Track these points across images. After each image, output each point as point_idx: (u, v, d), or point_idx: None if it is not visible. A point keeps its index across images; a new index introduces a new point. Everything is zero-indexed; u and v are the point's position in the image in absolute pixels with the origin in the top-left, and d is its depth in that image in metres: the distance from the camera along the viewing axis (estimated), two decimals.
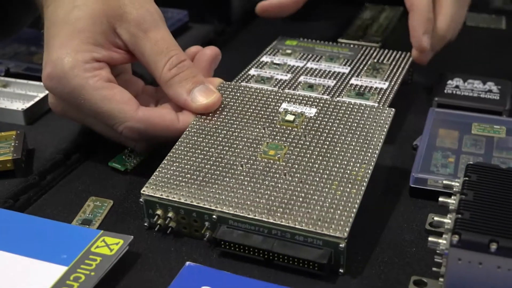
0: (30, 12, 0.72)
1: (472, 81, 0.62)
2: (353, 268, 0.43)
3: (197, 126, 0.50)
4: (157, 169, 0.46)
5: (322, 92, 0.57)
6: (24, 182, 0.50)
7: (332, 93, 0.57)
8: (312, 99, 0.52)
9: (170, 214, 0.44)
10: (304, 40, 0.68)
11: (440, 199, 0.43)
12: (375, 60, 0.64)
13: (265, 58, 0.64)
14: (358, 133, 0.48)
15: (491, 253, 0.37)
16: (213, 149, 0.48)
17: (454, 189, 0.43)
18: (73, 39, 0.50)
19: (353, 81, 0.60)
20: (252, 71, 0.61)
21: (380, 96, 0.57)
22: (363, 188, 0.44)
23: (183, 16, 0.78)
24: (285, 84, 0.59)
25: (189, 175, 0.45)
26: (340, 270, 0.42)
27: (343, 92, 0.58)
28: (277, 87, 0.59)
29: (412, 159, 0.52)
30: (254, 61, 0.64)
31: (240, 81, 0.60)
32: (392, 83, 0.59)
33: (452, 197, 0.43)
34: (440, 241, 0.40)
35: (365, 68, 0.62)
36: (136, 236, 0.44)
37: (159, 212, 0.44)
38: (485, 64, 0.70)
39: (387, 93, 0.58)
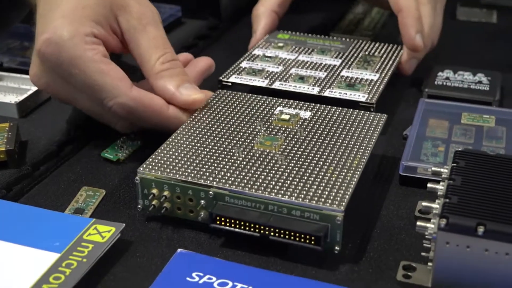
0: (20, 10, 0.72)
1: (462, 73, 0.63)
2: (344, 254, 0.43)
3: (195, 121, 0.51)
4: (154, 153, 0.46)
5: (313, 83, 0.58)
6: (17, 173, 0.50)
7: (323, 85, 0.58)
8: (306, 105, 0.53)
9: (165, 193, 0.44)
10: (296, 34, 0.69)
11: (429, 185, 0.43)
12: (366, 53, 0.64)
13: (257, 51, 0.65)
14: (351, 133, 0.49)
15: (479, 236, 0.38)
16: (210, 139, 0.48)
17: (443, 176, 0.44)
18: (76, 12, 0.51)
19: (344, 73, 0.60)
20: (244, 64, 0.62)
21: (370, 87, 0.57)
22: (360, 169, 0.45)
23: (176, 11, 0.79)
24: (277, 76, 0.60)
25: (186, 158, 0.46)
26: (336, 248, 0.42)
27: (334, 84, 0.58)
28: (268, 79, 0.59)
29: (403, 148, 0.53)
30: (246, 54, 0.64)
31: (231, 73, 0.60)
32: (383, 75, 0.60)
33: (441, 184, 0.43)
34: (428, 225, 0.40)
35: (356, 60, 0.63)
36: (128, 224, 0.45)
37: (154, 191, 0.45)
38: (475, 56, 0.71)
39: (377, 84, 0.58)
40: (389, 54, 0.64)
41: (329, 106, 0.53)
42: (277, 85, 0.58)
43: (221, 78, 0.59)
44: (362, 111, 0.52)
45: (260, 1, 0.70)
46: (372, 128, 0.50)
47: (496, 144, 0.53)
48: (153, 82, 0.52)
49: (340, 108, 0.53)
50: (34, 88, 0.60)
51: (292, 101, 0.54)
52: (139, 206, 0.46)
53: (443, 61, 0.66)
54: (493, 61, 0.69)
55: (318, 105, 0.53)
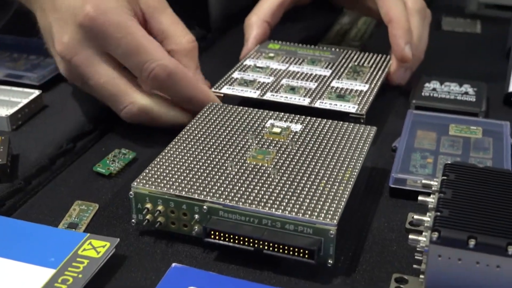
0: (3, 11, 0.72)
1: (449, 84, 0.64)
2: (336, 267, 0.43)
3: (187, 134, 0.51)
4: (148, 167, 0.47)
5: (304, 94, 0.59)
6: (10, 187, 0.50)
7: (314, 95, 0.58)
8: (297, 118, 0.53)
9: (159, 208, 0.45)
10: (287, 44, 0.69)
11: (420, 198, 0.44)
12: (356, 63, 0.65)
13: (248, 62, 0.65)
14: (342, 146, 0.50)
15: (470, 249, 0.39)
16: (202, 153, 0.49)
17: (433, 188, 0.45)
18: None
19: (334, 83, 0.61)
20: (236, 74, 0.63)
21: (360, 98, 0.58)
22: (351, 182, 0.46)
23: None
24: (268, 86, 0.60)
25: (179, 173, 0.46)
26: (329, 261, 0.42)
27: (324, 95, 0.59)
28: (259, 89, 0.60)
29: (392, 160, 0.53)
30: (238, 64, 0.65)
31: (223, 84, 0.61)
32: (372, 85, 0.60)
33: (431, 196, 0.44)
34: (420, 238, 0.41)
35: (346, 71, 0.63)
36: (122, 239, 0.45)
37: (148, 205, 0.45)
38: (461, 67, 0.72)
39: (367, 95, 0.59)
40: (378, 64, 0.65)
41: (319, 119, 0.53)
42: (268, 96, 0.59)
43: (213, 89, 0.60)
44: (352, 124, 0.53)
45: (253, 11, 0.71)
46: (363, 141, 0.51)
47: (483, 155, 0.54)
48: (179, 57, 0.57)
49: (330, 120, 0.53)
50: (25, 101, 0.60)
51: (282, 113, 0.54)
52: (133, 220, 0.46)
53: (429, 71, 0.67)
54: (478, 71, 0.70)
55: (309, 117, 0.54)
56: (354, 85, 0.61)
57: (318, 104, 0.57)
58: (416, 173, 0.52)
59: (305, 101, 0.58)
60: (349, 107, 0.57)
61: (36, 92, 0.61)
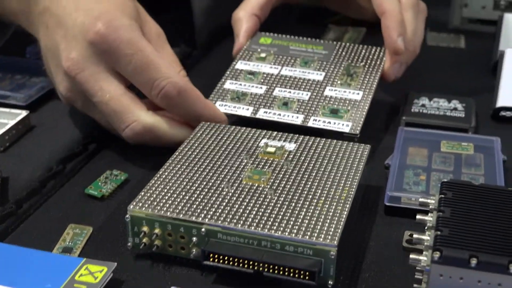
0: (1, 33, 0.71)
1: (438, 100, 0.64)
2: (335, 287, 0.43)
3: (182, 155, 0.51)
4: (143, 190, 0.46)
5: (297, 109, 0.58)
6: (1, 212, 0.49)
7: (307, 111, 0.58)
8: (290, 137, 0.53)
9: (156, 231, 0.44)
10: (279, 36, 0.69)
11: (418, 216, 0.44)
12: (350, 61, 0.65)
13: (239, 65, 0.65)
14: (337, 165, 0.50)
15: (472, 268, 0.39)
16: (198, 174, 0.48)
17: (430, 207, 0.45)
18: (121, 9, 0.56)
19: (327, 91, 0.60)
20: (227, 85, 0.62)
21: (354, 111, 0.58)
22: (349, 201, 0.46)
23: None
24: (261, 100, 0.59)
25: (175, 195, 0.46)
26: (330, 282, 0.42)
27: (318, 109, 0.58)
28: (252, 105, 0.59)
29: (385, 178, 0.53)
30: (229, 69, 0.64)
31: (215, 98, 0.60)
32: (366, 92, 0.60)
33: (429, 215, 0.44)
34: (421, 258, 0.41)
35: (339, 72, 0.63)
36: (118, 262, 0.44)
37: (144, 228, 0.44)
38: (447, 82, 0.72)
39: (361, 107, 0.58)
40: (372, 61, 0.64)
41: (313, 138, 0.53)
42: (261, 113, 0.58)
43: None
44: (346, 142, 0.53)
45: (240, 6, 0.70)
46: (357, 159, 0.51)
47: (475, 171, 0.54)
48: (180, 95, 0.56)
49: (324, 139, 0.53)
50: (12, 122, 0.59)
51: (276, 132, 0.54)
52: (129, 244, 0.45)
53: (415, 87, 0.67)
54: (464, 86, 0.70)
55: (302, 136, 0.53)
56: (348, 93, 0.60)
57: (311, 123, 0.57)
58: (410, 190, 0.52)
59: (299, 119, 0.57)
60: (343, 126, 0.56)
61: (24, 113, 0.60)
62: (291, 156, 0.51)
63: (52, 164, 0.55)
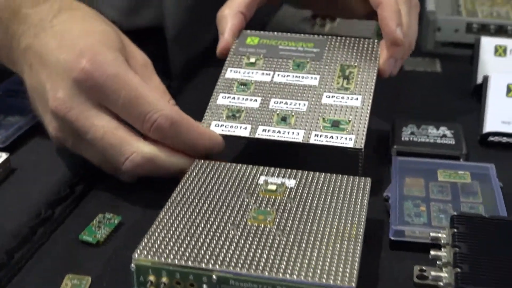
0: None
1: (426, 127, 0.64)
2: None
3: (180, 197, 0.49)
4: (146, 235, 0.44)
5: (296, 124, 0.56)
6: None
7: (307, 125, 0.56)
8: (289, 172, 0.52)
9: (164, 279, 0.42)
10: (266, 35, 0.66)
11: (432, 252, 0.43)
12: (343, 60, 0.62)
13: (229, 74, 0.62)
14: (341, 200, 0.49)
15: None
16: (200, 217, 0.46)
17: (443, 241, 0.44)
18: (104, 42, 0.55)
19: (325, 99, 0.58)
20: (220, 99, 0.59)
21: (355, 121, 0.56)
22: (360, 239, 0.44)
23: None
24: (257, 117, 0.57)
25: (181, 240, 0.44)
26: None
27: (318, 122, 0.56)
28: (249, 122, 0.56)
29: (383, 210, 0.53)
30: (220, 80, 0.61)
31: (210, 117, 0.57)
32: (365, 96, 0.58)
33: (443, 250, 0.43)
34: None
35: (334, 75, 0.60)
36: None
37: (151, 278, 0.42)
38: (429, 107, 0.72)
39: (362, 116, 0.56)
40: (366, 56, 0.62)
41: (312, 172, 0.52)
42: (260, 132, 0.56)
43: (203, 124, 0.57)
44: (346, 176, 0.52)
45: (225, 4, 0.67)
46: (360, 194, 0.50)
47: (473, 199, 0.54)
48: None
49: (323, 174, 0.52)
50: None
51: (273, 168, 0.52)
52: None
53: (399, 113, 0.67)
54: (446, 111, 0.70)
55: (301, 171, 0.52)
56: (346, 99, 0.58)
57: (313, 140, 0.55)
58: (413, 223, 0.51)
59: (300, 136, 0.55)
60: (346, 140, 0.54)
61: (3, 155, 0.58)
62: (293, 193, 0.50)
63: (39, 209, 0.53)
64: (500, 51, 0.74)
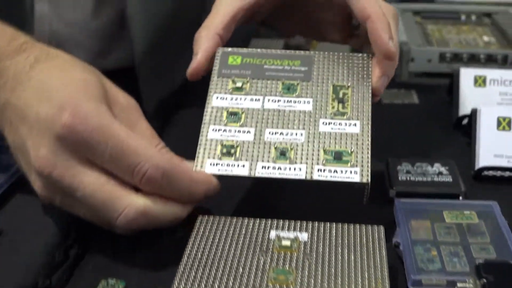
0: None
1: (420, 164, 0.63)
2: None
3: (191, 261, 0.46)
4: None
5: (296, 158, 0.53)
6: None
7: (308, 160, 0.53)
8: (299, 225, 0.50)
9: None
10: (248, 53, 0.62)
11: None
12: (335, 80, 0.59)
13: (216, 102, 0.58)
14: (359, 253, 0.47)
15: None
16: (217, 281, 0.44)
17: None
18: (85, 92, 0.52)
19: (322, 127, 0.56)
20: (211, 133, 0.56)
21: (357, 151, 0.54)
22: None
23: None
24: (254, 151, 0.54)
25: None
26: None
27: (319, 154, 0.54)
28: (246, 159, 0.54)
29: (396, 256, 0.51)
30: (206, 109, 0.57)
31: (204, 154, 0.54)
32: (364, 121, 0.56)
33: None
34: None
35: (328, 98, 0.58)
36: None
37: None
38: (414, 141, 0.71)
39: (363, 143, 0.55)
40: (358, 74, 0.59)
41: (323, 223, 0.50)
42: (260, 170, 0.53)
43: (198, 166, 0.54)
44: (358, 225, 0.50)
45: (202, 25, 0.64)
46: (376, 244, 0.48)
47: (482, 239, 0.53)
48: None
49: (335, 224, 0.50)
50: None
51: (282, 221, 0.51)
52: None
53: (386, 148, 0.66)
54: (433, 145, 0.70)
55: (311, 222, 0.50)
56: (344, 125, 0.55)
57: (317, 176, 0.52)
58: (428, 270, 0.50)
59: (302, 172, 0.52)
60: (351, 174, 0.52)
61: None
62: (308, 247, 0.48)
63: (33, 279, 0.49)
64: (479, 81, 0.74)
